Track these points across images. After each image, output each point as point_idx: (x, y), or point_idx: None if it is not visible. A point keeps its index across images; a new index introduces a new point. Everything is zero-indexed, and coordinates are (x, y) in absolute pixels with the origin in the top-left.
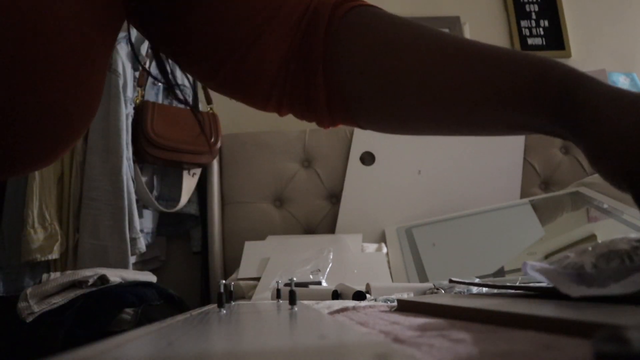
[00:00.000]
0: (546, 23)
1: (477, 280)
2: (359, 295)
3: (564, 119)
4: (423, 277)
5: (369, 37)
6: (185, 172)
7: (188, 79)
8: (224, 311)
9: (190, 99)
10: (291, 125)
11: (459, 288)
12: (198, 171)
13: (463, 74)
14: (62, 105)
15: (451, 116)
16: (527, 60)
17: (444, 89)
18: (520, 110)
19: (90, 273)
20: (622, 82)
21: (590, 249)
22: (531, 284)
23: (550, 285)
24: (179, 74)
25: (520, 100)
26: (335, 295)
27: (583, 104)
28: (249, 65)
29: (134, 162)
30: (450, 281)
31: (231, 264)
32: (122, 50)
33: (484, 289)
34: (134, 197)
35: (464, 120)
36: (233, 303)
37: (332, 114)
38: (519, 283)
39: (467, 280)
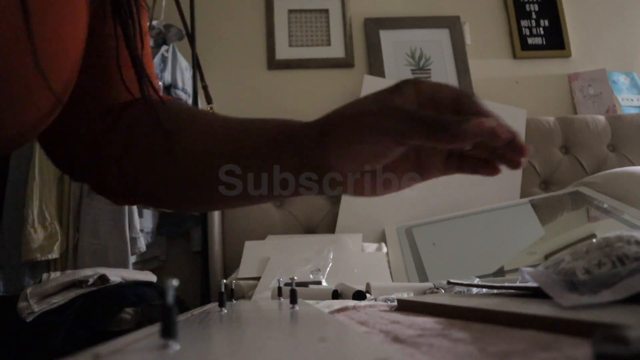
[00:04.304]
0: (546, 23)
1: (477, 280)
2: (359, 295)
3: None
4: (423, 277)
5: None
6: None
7: (194, 78)
8: (225, 310)
9: (191, 99)
10: None
11: (458, 288)
12: None
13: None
14: None
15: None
16: (272, 121)
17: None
18: (277, 158)
19: (90, 272)
20: (622, 81)
21: (585, 249)
22: (530, 284)
23: None
24: (179, 74)
25: (275, 148)
26: (336, 294)
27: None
28: None
29: None
30: (449, 283)
31: (231, 263)
32: None
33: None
34: None
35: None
36: (234, 302)
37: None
38: (519, 283)
39: (465, 282)
